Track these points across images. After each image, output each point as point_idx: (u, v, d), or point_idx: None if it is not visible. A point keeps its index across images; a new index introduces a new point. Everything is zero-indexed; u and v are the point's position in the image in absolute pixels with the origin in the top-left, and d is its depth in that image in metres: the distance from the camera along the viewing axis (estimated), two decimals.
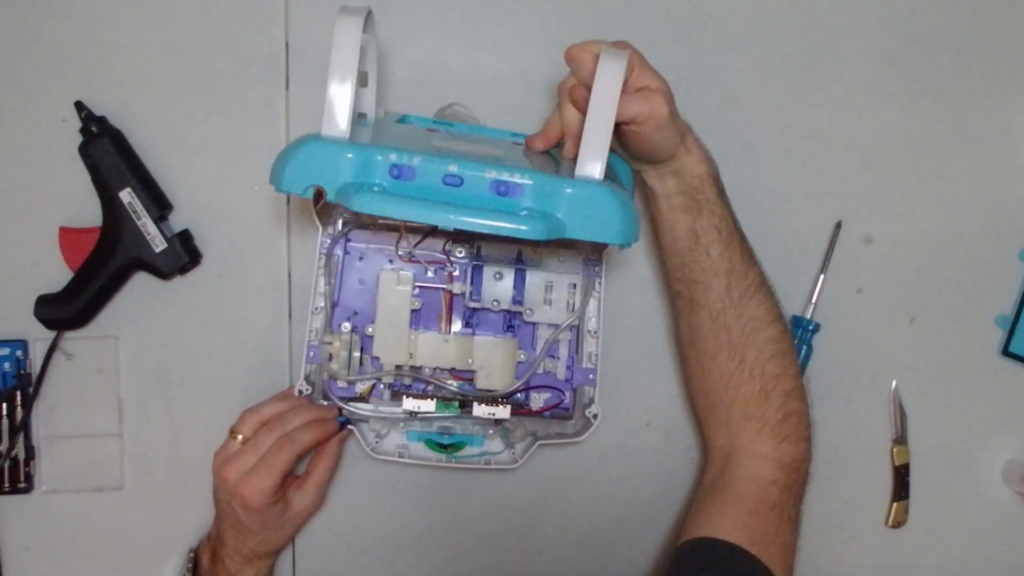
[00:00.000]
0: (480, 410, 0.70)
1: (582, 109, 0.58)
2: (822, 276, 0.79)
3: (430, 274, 0.72)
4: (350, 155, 0.54)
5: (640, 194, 0.72)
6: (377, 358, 0.71)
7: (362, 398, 0.72)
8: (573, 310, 0.73)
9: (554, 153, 0.65)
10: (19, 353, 0.74)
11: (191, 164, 0.75)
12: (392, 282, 0.70)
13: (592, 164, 0.55)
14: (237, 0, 0.74)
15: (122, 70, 0.74)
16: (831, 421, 0.79)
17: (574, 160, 0.56)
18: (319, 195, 0.55)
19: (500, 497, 0.80)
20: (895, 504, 0.82)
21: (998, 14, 0.80)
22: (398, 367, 0.71)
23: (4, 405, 0.74)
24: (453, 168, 0.55)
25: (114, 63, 0.74)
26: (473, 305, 0.72)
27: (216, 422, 0.71)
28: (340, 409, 0.71)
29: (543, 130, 0.65)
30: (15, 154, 0.74)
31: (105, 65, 0.74)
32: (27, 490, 0.75)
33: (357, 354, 0.71)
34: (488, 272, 0.72)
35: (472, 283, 0.72)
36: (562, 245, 0.73)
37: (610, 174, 0.60)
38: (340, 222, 0.72)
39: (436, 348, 0.71)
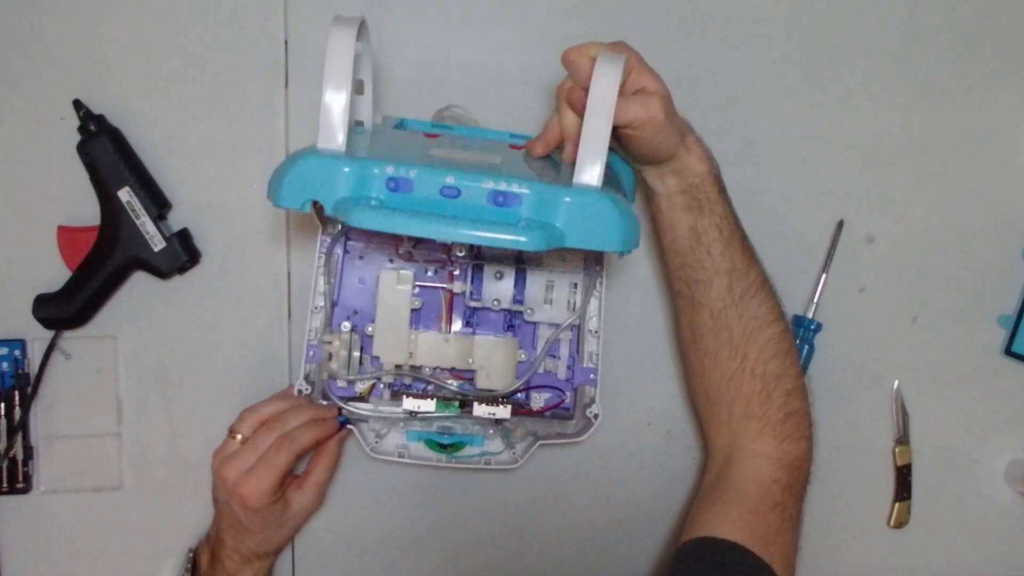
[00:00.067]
0: (480, 410, 0.69)
1: (580, 113, 0.58)
2: (824, 275, 0.79)
3: (430, 273, 0.72)
4: (346, 169, 0.54)
5: (641, 193, 0.72)
6: (377, 358, 0.71)
7: (362, 398, 0.72)
8: (574, 309, 0.72)
9: (555, 156, 0.65)
10: (17, 352, 0.74)
11: (190, 163, 0.75)
12: (392, 281, 0.70)
13: (590, 171, 0.55)
14: None
15: (121, 69, 0.74)
16: (833, 421, 0.79)
17: (574, 164, 0.56)
18: (318, 209, 0.54)
19: (500, 497, 0.79)
20: (897, 504, 0.82)
21: (999, 13, 0.79)
22: (398, 367, 0.71)
23: (2, 405, 0.73)
24: (450, 180, 0.54)
25: (113, 61, 0.73)
26: (473, 304, 0.71)
27: (215, 422, 0.70)
28: (340, 409, 0.71)
29: (542, 134, 0.64)
30: (13, 153, 0.73)
31: (104, 63, 0.73)
32: (25, 490, 0.75)
33: (357, 353, 0.71)
34: (488, 271, 0.72)
35: (472, 282, 0.71)
36: None
37: (611, 176, 0.59)
38: (340, 222, 0.71)
39: (436, 348, 0.71)
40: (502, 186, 0.54)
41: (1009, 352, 0.81)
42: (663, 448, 0.81)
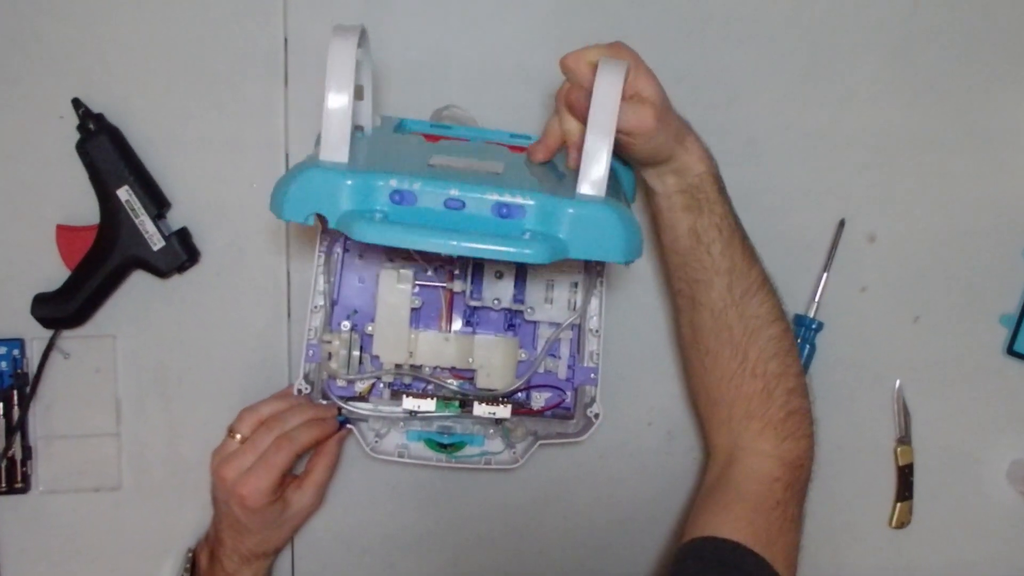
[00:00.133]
0: (480, 409, 0.69)
1: (581, 118, 0.58)
2: (825, 274, 0.79)
3: (430, 272, 0.72)
4: (350, 182, 0.54)
5: (641, 192, 0.72)
6: (377, 357, 0.71)
7: (361, 397, 0.72)
8: (574, 309, 0.72)
9: (555, 160, 0.65)
10: (16, 352, 0.73)
11: (189, 162, 0.74)
12: (392, 280, 0.70)
13: (593, 180, 0.55)
14: None
15: (120, 67, 0.73)
16: (834, 420, 0.78)
17: (577, 169, 0.56)
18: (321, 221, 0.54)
19: (500, 497, 0.79)
20: (899, 504, 0.81)
21: (1002, 11, 0.79)
22: (398, 366, 0.71)
23: (1, 404, 0.73)
24: (454, 192, 0.54)
25: (112, 60, 0.73)
26: (474, 304, 0.71)
27: (214, 421, 0.70)
28: (339, 408, 0.71)
29: (542, 140, 0.64)
30: (12, 151, 0.73)
31: (103, 62, 0.73)
32: (24, 490, 0.74)
33: (356, 353, 0.71)
34: (489, 271, 0.71)
35: (472, 281, 0.71)
36: None
37: (611, 176, 0.59)
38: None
39: (436, 347, 0.71)
40: (506, 198, 0.54)
41: (1011, 352, 0.81)
42: (664, 448, 0.80)
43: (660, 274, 0.78)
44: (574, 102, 0.58)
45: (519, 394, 0.73)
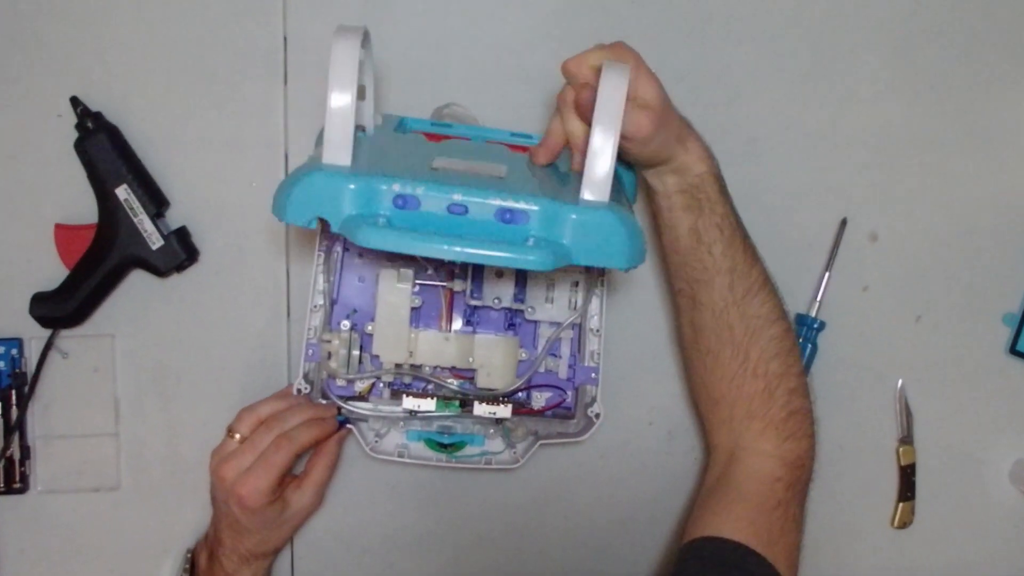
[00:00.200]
0: (481, 409, 0.69)
1: (587, 120, 0.57)
2: (827, 274, 0.79)
3: (430, 271, 0.72)
4: (353, 186, 0.54)
5: (642, 192, 0.72)
6: (377, 356, 0.70)
7: (361, 397, 0.72)
8: (575, 308, 0.72)
9: (557, 162, 0.65)
10: (14, 352, 0.73)
11: (188, 160, 0.74)
12: (392, 279, 0.69)
13: (597, 186, 0.55)
14: None
15: (118, 65, 0.73)
16: (836, 420, 0.78)
17: (581, 172, 0.56)
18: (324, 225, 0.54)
19: (501, 497, 0.79)
20: (901, 504, 0.81)
21: (1005, 8, 0.79)
22: (398, 365, 0.71)
23: None
24: (457, 196, 0.54)
25: (110, 58, 0.73)
26: (474, 303, 0.71)
27: (213, 421, 0.70)
28: (339, 408, 0.70)
29: (545, 143, 0.64)
30: (10, 150, 0.73)
31: (101, 60, 0.73)
32: (22, 490, 0.74)
33: (356, 352, 0.70)
34: (489, 270, 0.71)
35: (473, 281, 0.71)
36: None
37: (614, 178, 0.59)
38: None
39: (436, 346, 0.71)
40: (509, 203, 0.54)
41: (1014, 351, 0.81)
42: (665, 448, 0.80)
43: (661, 274, 0.78)
44: (584, 102, 0.58)
45: (519, 394, 0.73)
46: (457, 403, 0.70)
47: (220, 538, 0.70)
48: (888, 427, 0.81)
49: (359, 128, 0.65)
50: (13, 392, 0.73)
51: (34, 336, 0.74)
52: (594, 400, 0.71)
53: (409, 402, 0.69)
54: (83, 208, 0.72)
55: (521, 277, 0.72)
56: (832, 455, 0.79)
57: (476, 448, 0.72)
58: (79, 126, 0.71)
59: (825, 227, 0.79)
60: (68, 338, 0.74)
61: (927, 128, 0.80)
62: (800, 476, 0.67)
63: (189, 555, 0.73)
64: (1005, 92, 0.80)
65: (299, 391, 0.70)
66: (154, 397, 0.75)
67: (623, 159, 0.64)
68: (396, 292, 0.69)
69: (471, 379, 0.72)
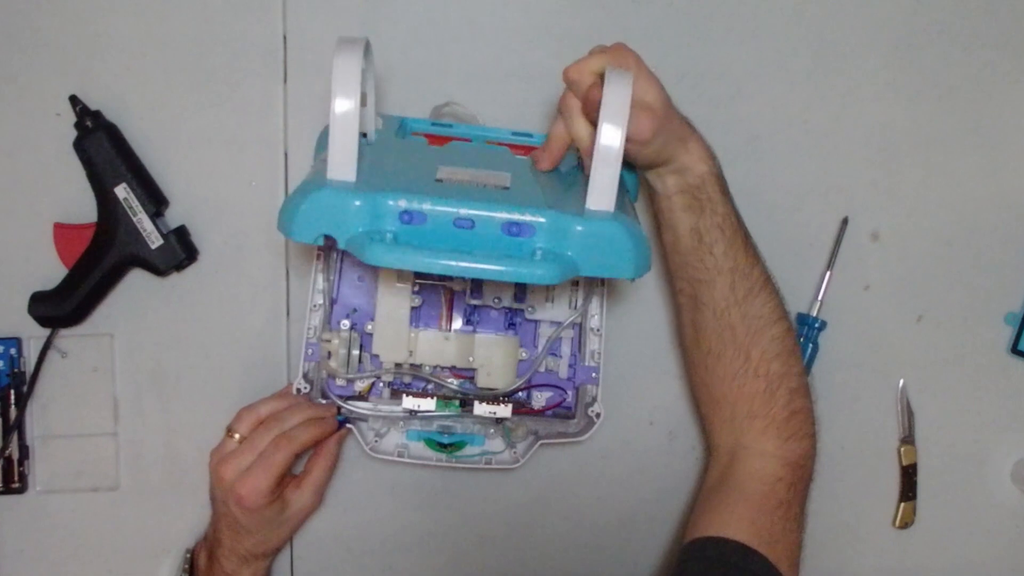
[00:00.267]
0: (481, 409, 0.69)
1: (595, 120, 0.57)
2: (828, 273, 0.79)
3: None
4: (359, 203, 0.54)
5: (643, 192, 0.71)
6: (376, 356, 0.70)
7: (361, 396, 0.72)
8: (576, 308, 0.72)
9: (559, 166, 0.65)
10: (13, 351, 0.73)
11: (188, 159, 0.74)
12: (392, 279, 0.69)
13: (603, 195, 0.55)
14: None
15: (118, 64, 0.73)
16: (838, 420, 0.78)
17: (588, 177, 0.56)
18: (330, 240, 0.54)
19: (501, 497, 0.79)
20: (902, 504, 0.81)
21: (1008, 6, 0.79)
22: (398, 365, 0.70)
23: None
24: (464, 212, 0.54)
25: (109, 57, 0.73)
26: (474, 302, 0.71)
27: (213, 421, 0.70)
28: (339, 407, 0.70)
29: (547, 148, 0.64)
30: (9, 149, 0.73)
31: (100, 59, 0.73)
32: (21, 490, 0.74)
33: (356, 352, 0.70)
34: None
35: (473, 280, 0.71)
36: None
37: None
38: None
39: (436, 346, 0.71)
40: (516, 216, 0.54)
41: (1016, 350, 0.80)
42: (666, 447, 0.80)
43: (662, 274, 0.77)
44: (593, 100, 0.57)
45: (520, 393, 0.72)
46: (457, 403, 0.70)
47: (219, 538, 0.69)
48: (889, 427, 0.81)
49: (360, 134, 0.64)
50: (12, 391, 0.73)
51: (33, 335, 0.73)
52: (594, 400, 0.71)
53: (409, 402, 0.69)
54: (82, 207, 0.72)
55: None
56: (833, 455, 0.79)
57: (476, 448, 0.72)
58: (78, 125, 0.71)
59: (826, 226, 0.79)
60: (67, 337, 0.74)
61: (929, 127, 0.79)
62: (801, 476, 0.67)
63: (188, 555, 0.73)
64: (1007, 91, 0.80)
65: (299, 391, 0.70)
66: (153, 397, 0.75)
67: (624, 160, 0.64)
68: (396, 291, 0.69)
69: (471, 379, 0.71)
